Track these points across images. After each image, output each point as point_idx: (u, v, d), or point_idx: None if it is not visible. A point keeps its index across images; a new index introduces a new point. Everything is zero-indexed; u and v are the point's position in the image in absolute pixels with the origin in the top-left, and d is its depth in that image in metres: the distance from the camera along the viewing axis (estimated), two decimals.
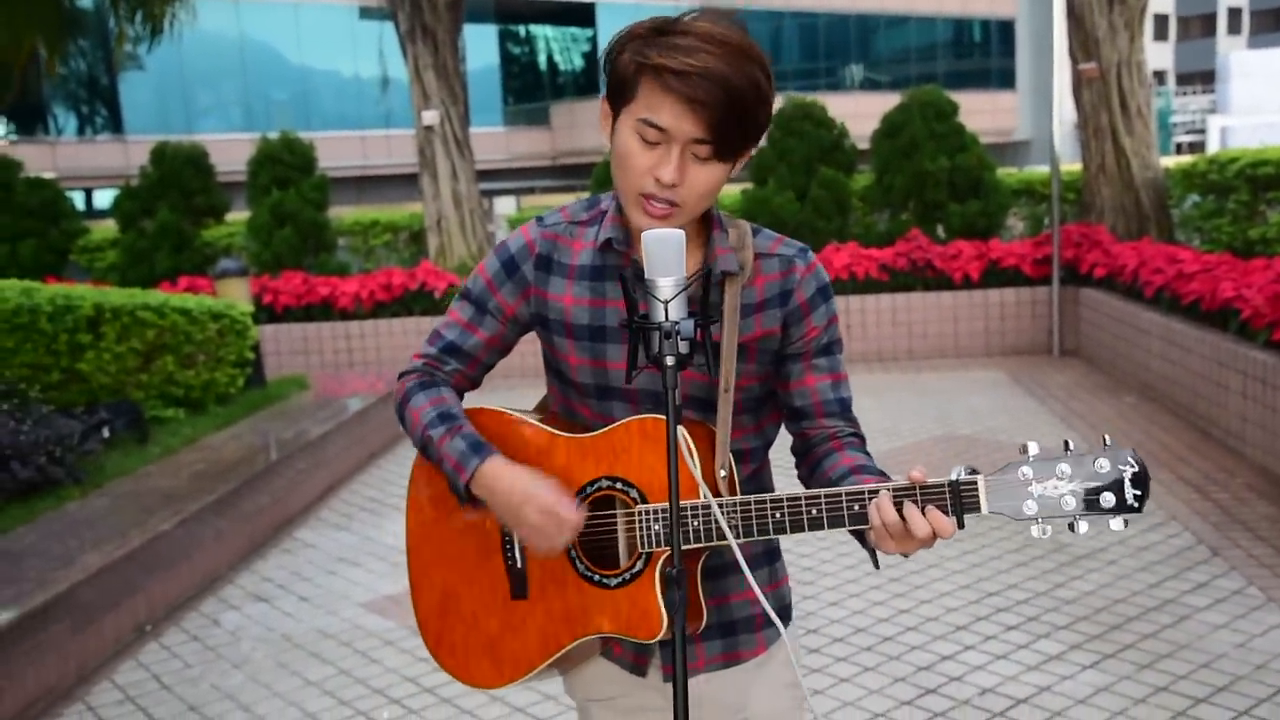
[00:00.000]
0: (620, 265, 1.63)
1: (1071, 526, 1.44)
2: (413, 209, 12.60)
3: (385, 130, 29.26)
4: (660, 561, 1.56)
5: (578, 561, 1.62)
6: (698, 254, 1.64)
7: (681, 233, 1.43)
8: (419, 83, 11.50)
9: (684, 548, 1.54)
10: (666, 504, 1.52)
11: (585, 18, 33.18)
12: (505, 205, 14.41)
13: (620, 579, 1.59)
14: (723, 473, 1.58)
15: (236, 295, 7.76)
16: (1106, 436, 1.46)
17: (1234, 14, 62.52)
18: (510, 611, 1.68)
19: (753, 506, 1.52)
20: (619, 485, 1.59)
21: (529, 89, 34.71)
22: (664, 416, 1.53)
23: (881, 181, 10.33)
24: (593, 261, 1.65)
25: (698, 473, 1.51)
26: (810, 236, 9.97)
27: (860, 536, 1.55)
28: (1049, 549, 4.81)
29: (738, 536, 1.52)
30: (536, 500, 1.56)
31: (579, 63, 35.33)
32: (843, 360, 1.72)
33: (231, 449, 6.10)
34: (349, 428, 6.84)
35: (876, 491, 1.47)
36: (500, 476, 1.60)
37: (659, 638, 1.56)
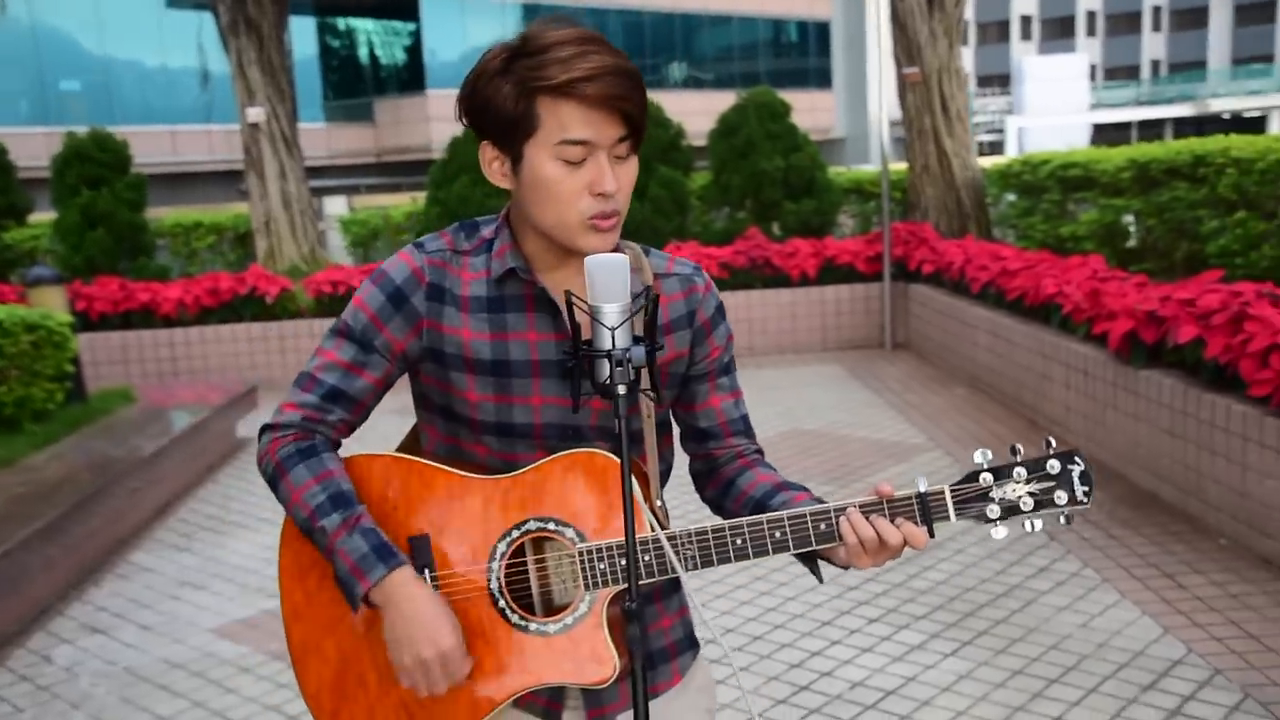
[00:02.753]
0: (522, 294, 1.55)
1: (1026, 525, 1.50)
2: (237, 209, 12.11)
3: (200, 125, 28.00)
4: (606, 600, 1.50)
5: (508, 611, 1.52)
6: None
7: (625, 257, 1.39)
8: (243, 78, 11.07)
9: (642, 583, 1.47)
10: (614, 541, 1.48)
11: (408, 11, 32.52)
12: (336, 205, 14.00)
13: (562, 624, 1.51)
14: (659, 502, 1.55)
15: (52, 304, 7.28)
16: (1052, 439, 1.51)
17: (1025, 21, 66.28)
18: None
19: (710, 535, 1.48)
20: (551, 525, 1.51)
21: (350, 84, 33.81)
22: (593, 450, 1.51)
23: (719, 180, 10.50)
24: (487, 293, 1.55)
25: (645, 507, 1.48)
26: (650, 235, 10.04)
27: (808, 556, 1.55)
28: None
29: (698, 566, 1.49)
30: (436, 641, 1.46)
31: (402, 57, 34.60)
32: (739, 378, 1.71)
33: (55, 469, 5.71)
34: (183, 442, 6.51)
35: (843, 509, 1.48)
36: (408, 596, 1.47)
37: (612, 679, 1.50)
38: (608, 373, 1.37)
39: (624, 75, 1.43)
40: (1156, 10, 66.38)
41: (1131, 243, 8.66)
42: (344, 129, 32.18)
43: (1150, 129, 47.65)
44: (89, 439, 6.34)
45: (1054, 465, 1.48)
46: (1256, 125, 44.66)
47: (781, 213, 10.33)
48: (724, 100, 10.75)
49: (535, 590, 1.54)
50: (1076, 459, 1.49)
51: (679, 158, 10.56)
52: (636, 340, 1.39)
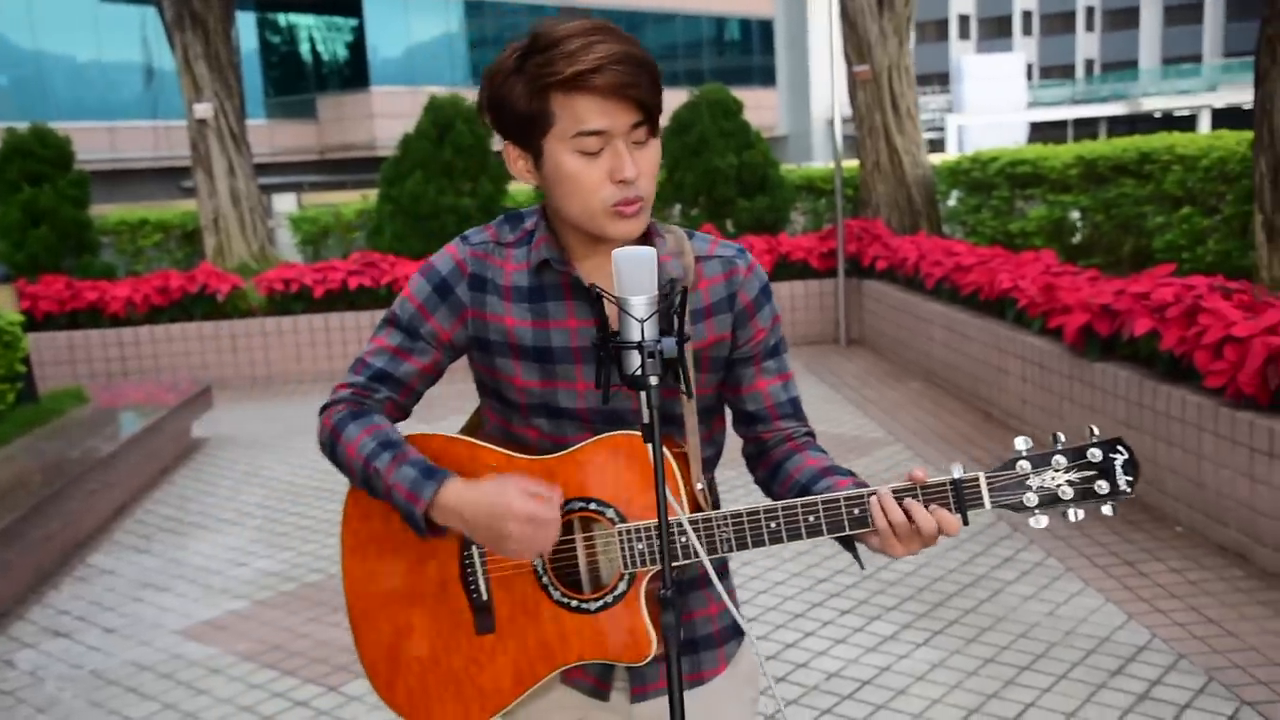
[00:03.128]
0: (559, 283, 1.59)
1: (1066, 515, 1.48)
2: (184, 207, 11.92)
3: (139, 121, 27.48)
4: (645, 580, 1.53)
5: (551, 589, 1.57)
6: None
7: (653, 250, 1.40)
8: (189, 74, 10.89)
9: (676, 564, 1.51)
10: (649, 522, 1.51)
11: (350, 7, 32.18)
12: (285, 203, 13.82)
13: (602, 602, 1.54)
14: (699, 485, 1.57)
15: (2, 303, 7.12)
16: (1094, 427, 1.49)
17: (964, 20, 67.22)
18: (476, 647, 1.60)
19: (745, 518, 1.49)
20: (593, 506, 1.54)
21: (291, 80, 33.39)
22: (632, 433, 1.53)
23: (673, 178, 10.53)
24: (528, 283, 1.59)
25: (682, 489, 1.50)
26: None
27: (847, 541, 1.56)
28: None
29: (732, 549, 1.50)
30: (512, 512, 1.48)
31: (344, 53, 34.24)
32: (789, 359, 1.72)
33: (8, 472, 5.59)
34: (140, 442, 6.41)
35: (875, 493, 1.47)
36: (464, 498, 1.51)
37: (649, 658, 1.53)
38: (637, 364, 1.38)
39: (632, 62, 1.45)
40: (1090, 10, 67.62)
41: (1077, 238, 8.85)
42: (286, 126, 31.77)
43: (1085, 127, 48.57)
44: (42, 440, 6.22)
45: (1095, 454, 1.47)
46: (1187, 124, 45.67)
47: (735, 210, 10.40)
48: (674, 98, 10.80)
49: (583, 568, 1.58)
50: (1120, 447, 1.47)
51: None
52: (665, 332, 1.40)
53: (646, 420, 1.39)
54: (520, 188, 11.62)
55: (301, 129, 32.20)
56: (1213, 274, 5.68)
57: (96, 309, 9.37)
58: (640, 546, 1.52)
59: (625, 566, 1.53)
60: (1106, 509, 1.48)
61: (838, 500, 1.48)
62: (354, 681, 3.89)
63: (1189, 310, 4.91)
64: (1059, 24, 68.50)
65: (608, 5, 36.53)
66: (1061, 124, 47.85)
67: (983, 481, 1.48)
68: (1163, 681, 3.58)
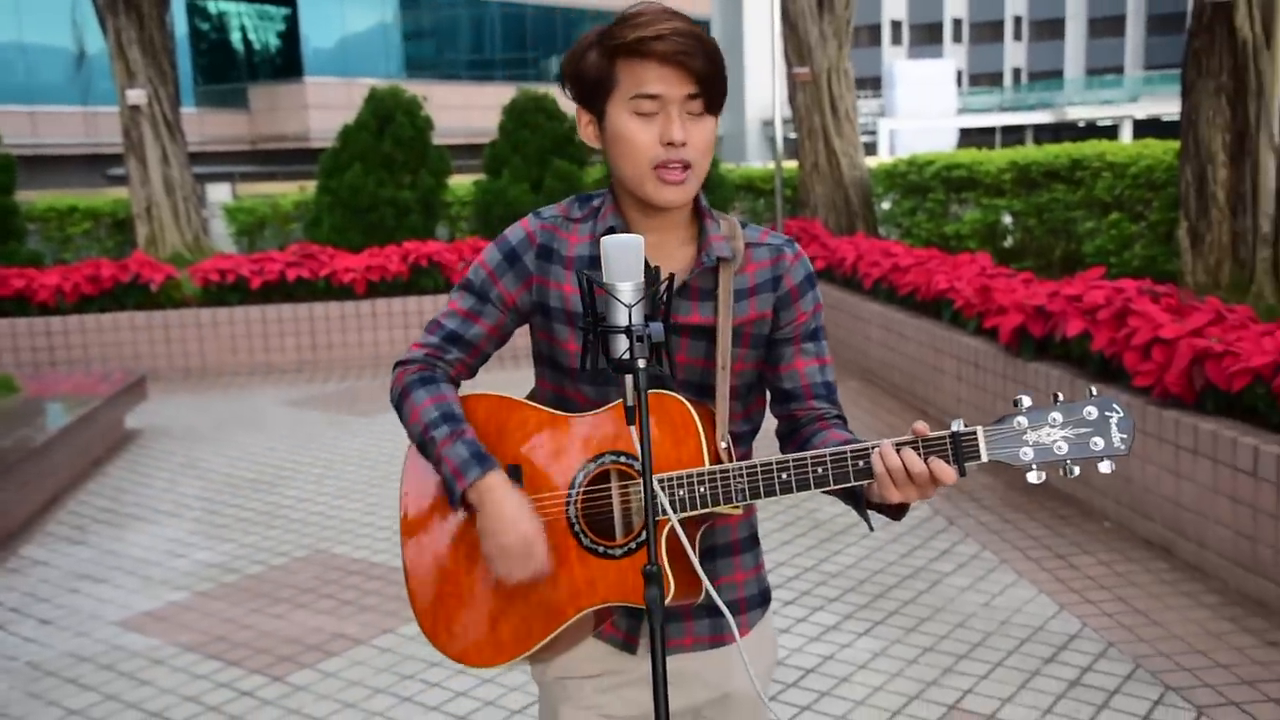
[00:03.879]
0: None
1: (1063, 471, 1.50)
2: (115, 195, 11.68)
3: (65, 106, 26.79)
4: (666, 528, 1.60)
5: (582, 535, 1.67)
6: (691, 245, 1.72)
7: (641, 238, 1.46)
8: (122, 59, 10.68)
9: (691, 514, 1.60)
10: (672, 474, 1.60)
11: None
12: (219, 193, 13.60)
13: (625, 549, 1.64)
14: (723, 444, 1.64)
15: None
16: (1093, 387, 1.55)
17: (896, 26, 68.18)
18: (511, 590, 1.70)
19: (758, 468, 1.57)
20: (623, 459, 1.65)
21: (221, 68, 32.84)
22: (659, 393, 1.61)
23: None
24: (590, 253, 1.70)
25: (704, 445, 1.58)
26: None
27: (856, 500, 1.63)
28: (808, 526, 5.14)
29: (745, 498, 1.58)
30: (519, 529, 1.62)
31: (276, 43, 33.75)
32: (827, 346, 1.80)
33: None
34: (73, 433, 6.29)
35: (878, 445, 1.54)
36: (495, 492, 1.64)
37: (668, 602, 1.59)
38: (624, 348, 1.43)
39: (693, 37, 1.57)
40: (1018, 20, 68.92)
41: (1009, 242, 9.07)
42: (216, 115, 31.25)
43: (1013, 134, 49.56)
44: None
45: (1090, 411, 1.49)
46: (1110, 133, 46.81)
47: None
48: None
49: (606, 518, 1.67)
50: (1115, 406, 1.49)
51: (574, 151, 10.60)
52: (654, 317, 1.46)
53: (631, 404, 1.44)
54: (459, 182, 11.59)
55: (232, 118, 31.69)
56: (1140, 278, 5.88)
57: (23, 297, 9.16)
58: (664, 498, 1.59)
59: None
60: (1104, 466, 1.49)
61: (844, 452, 1.55)
62: (299, 671, 3.88)
63: (1119, 313, 5.08)
64: (988, 33, 69.75)
65: (543, 1, 36.49)
66: (990, 130, 48.75)
67: (980, 435, 1.51)
68: (1093, 669, 3.71)
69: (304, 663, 3.96)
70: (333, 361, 9.44)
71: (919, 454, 1.52)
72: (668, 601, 1.59)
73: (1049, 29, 68.57)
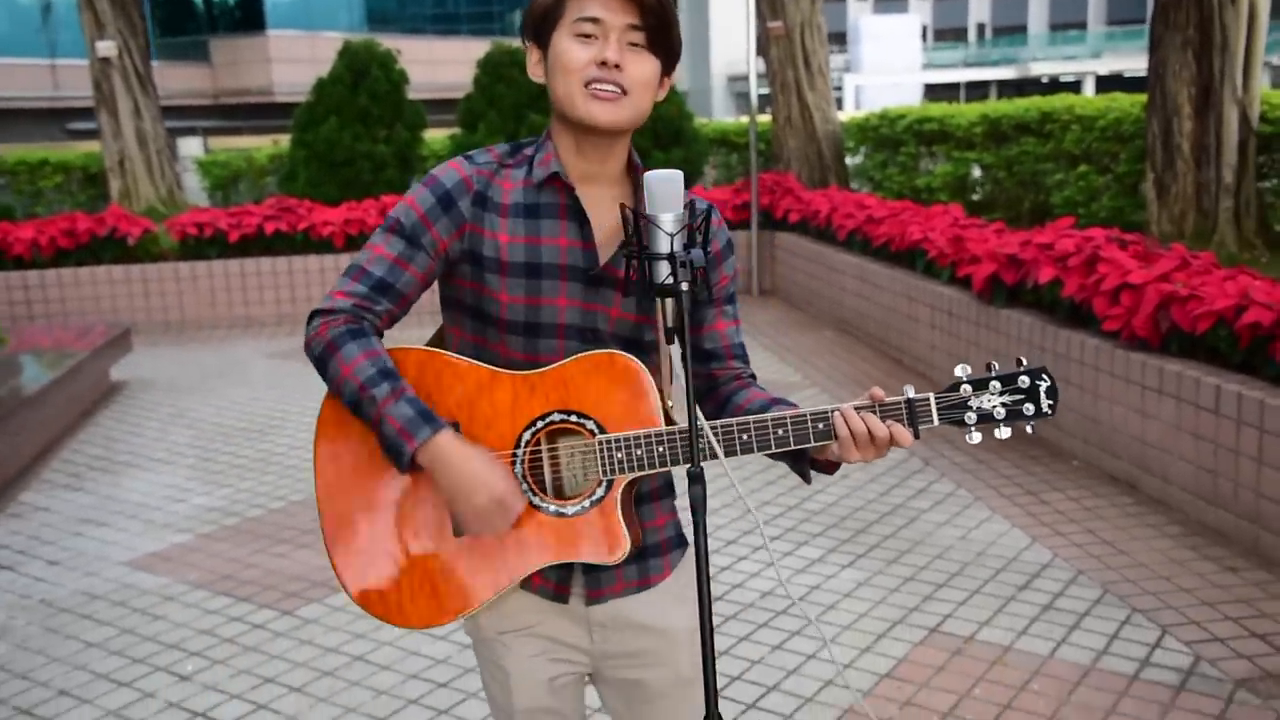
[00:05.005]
0: (557, 203, 1.70)
1: (996, 432, 1.66)
2: (84, 148, 11.61)
3: (29, 59, 26.28)
4: (621, 486, 1.66)
5: (531, 494, 1.67)
6: (627, 200, 1.72)
7: (680, 173, 1.56)
8: (90, 10, 10.58)
9: (650, 472, 1.65)
10: (630, 434, 1.64)
11: None
12: (190, 147, 13.52)
13: (579, 507, 1.66)
14: (670, 403, 1.69)
15: None
16: (1022, 358, 1.68)
17: None
18: (453, 549, 1.69)
19: (719, 430, 1.63)
20: (573, 418, 1.65)
21: (180, 21, 32.31)
22: (611, 351, 1.66)
23: None
24: (526, 200, 1.69)
25: (657, 399, 1.64)
26: None
27: (797, 459, 1.71)
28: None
29: (707, 459, 1.61)
30: (490, 487, 1.61)
31: None
32: (739, 308, 1.88)
33: None
34: (65, 383, 6.36)
35: (839, 409, 1.63)
36: (454, 452, 1.61)
37: (620, 558, 1.67)
38: (665, 274, 1.53)
39: None
40: None
41: (976, 195, 9.25)
42: (177, 68, 30.74)
43: (977, 90, 49.66)
44: None
45: (1024, 380, 1.64)
46: (1073, 89, 47.02)
47: (651, 161, 10.47)
48: None
49: (556, 476, 1.69)
50: (1044, 375, 1.65)
51: (548, 105, 10.62)
52: (690, 245, 1.55)
53: (671, 325, 1.56)
54: (435, 135, 11.60)
55: (193, 72, 31.24)
56: (1107, 228, 6.07)
57: None
58: (620, 456, 1.63)
59: (604, 474, 1.64)
60: (1029, 428, 1.66)
61: (804, 415, 1.63)
62: (308, 606, 4.03)
63: (1089, 260, 5.27)
64: None
65: None
66: (954, 86, 48.82)
67: (932, 401, 1.64)
68: (1064, 594, 3.93)
69: (311, 597, 4.10)
70: None
71: (875, 414, 1.62)
72: (625, 554, 1.66)
73: None
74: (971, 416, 1.65)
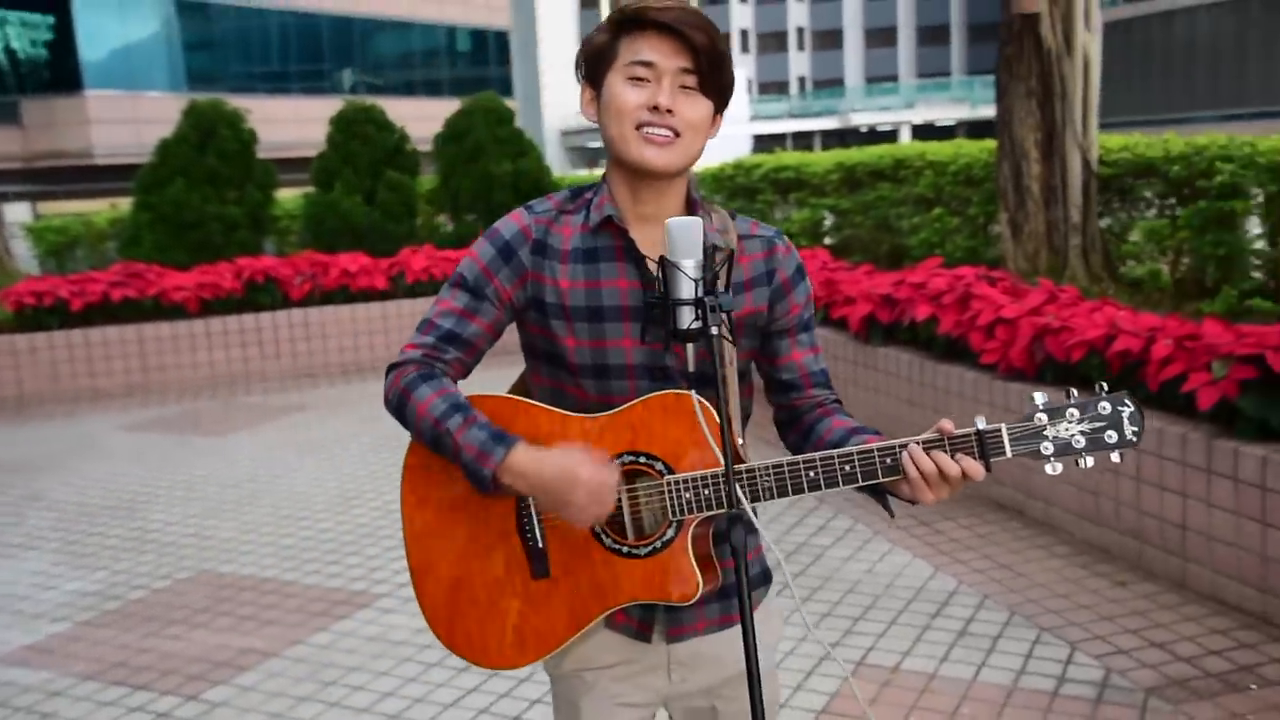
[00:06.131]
0: (613, 245, 1.71)
1: (1078, 462, 1.60)
2: None
3: None
4: (692, 526, 1.65)
5: (603, 536, 1.69)
6: None
7: (699, 219, 1.58)
8: None
9: (720, 512, 1.64)
10: (696, 474, 1.64)
11: (47, 3, 29.80)
12: (17, 212, 12.77)
13: (651, 547, 1.67)
14: (740, 440, 1.71)
15: None
16: (1104, 385, 1.61)
17: (800, 33, 70.16)
18: (533, 591, 1.72)
19: (786, 468, 1.62)
20: (642, 460, 1.66)
21: None
22: (683, 391, 1.65)
23: (448, 185, 10.58)
24: (584, 244, 1.71)
25: (713, 441, 1.62)
26: (380, 239, 9.98)
27: (877, 493, 1.69)
28: None
29: (774, 496, 1.63)
30: (579, 479, 1.60)
31: (44, 53, 31.72)
32: (817, 335, 1.86)
33: None
34: None
35: (905, 445, 1.59)
36: (532, 461, 1.62)
37: (695, 598, 1.66)
38: (689, 319, 1.54)
39: (694, 14, 1.64)
40: (800, 31, 71.81)
41: (830, 240, 9.57)
42: None
43: (802, 140, 51.67)
44: None
45: (1105, 406, 1.58)
46: (890, 138, 49.42)
47: None
48: (438, 108, 10.86)
49: (626, 518, 1.69)
50: (1127, 401, 1.58)
51: (405, 162, 10.55)
52: (713, 290, 1.56)
53: (694, 370, 1.58)
54: (288, 195, 11.33)
55: (2, 135, 29.64)
56: (970, 266, 6.36)
57: None
58: (688, 496, 1.63)
59: (673, 515, 1.65)
60: (1115, 456, 1.59)
61: (871, 450, 1.60)
62: (214, 689, 3.82)
63: (962, 297, 5.52)
64: (773, 43, 72.34)
65: (341, 10, 35.70)
66: (781, 136, 50.59)
67: (1004, 432, 1.59)
68: (975, 619, 4.06)
69: (217, 679, 3.89)
70: (167, 384, 9.09)
71: (945, 451, 1.58)
72: (702, 592, 1.65)
73: (830, 39, 71.69)
74: (1048, 446, 1.59)
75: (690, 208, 1.77)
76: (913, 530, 5.00)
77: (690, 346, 1.59)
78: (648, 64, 1.64)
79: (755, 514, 1.80)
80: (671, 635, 1.78)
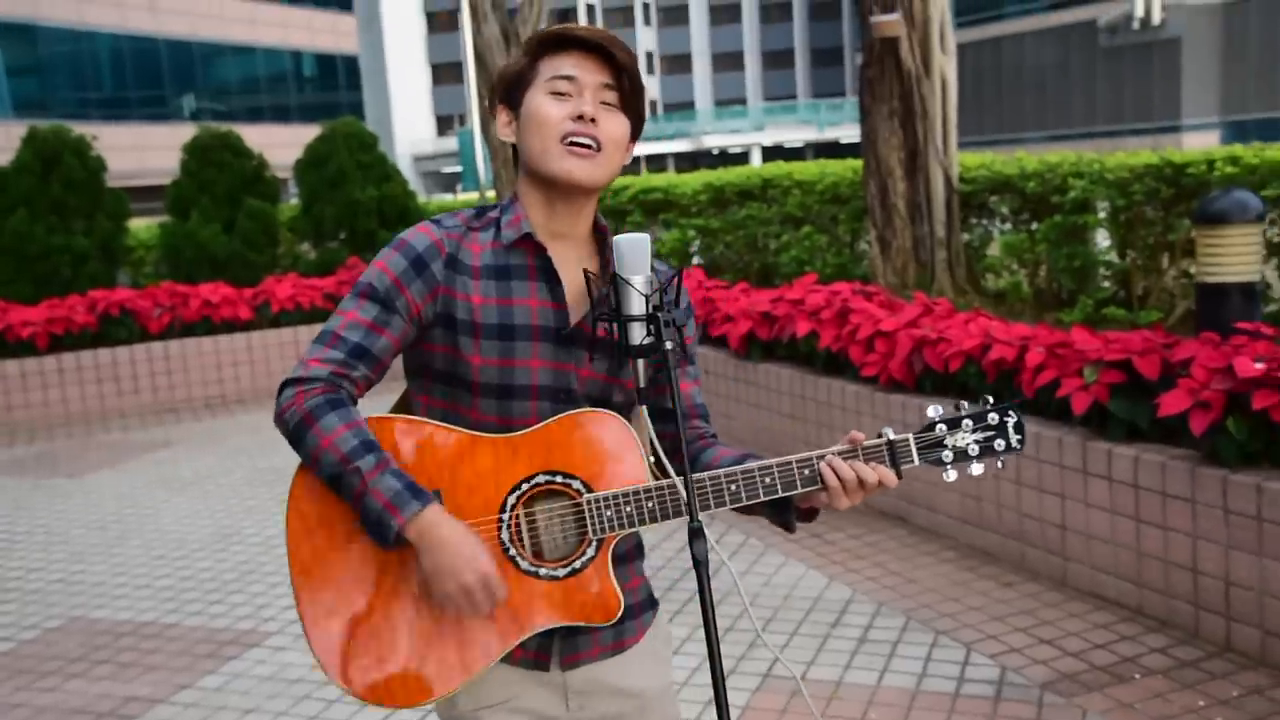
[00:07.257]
0: (526, 264, 1.68)
1: (971, 469, 1.69)
2: None
3: None
4: (612, 545, 1.64)
5: (519, 559, 1.64)
6: (593, 261, 1.74)
7: (648, 236, 1.60)
8: None
9: (641, 528, 1.65)
10: (617, 491, 1.63)
11: None
12: None
13: (570, 568, 1.63)
14: (651, 459, 1.69)
15: None
16: (989, 397, 1.71)
17: (649, 57, 70.69)
18: (440, 624, 1.64)
19: (708, 482, 1.64)
20: (559, 479, 1.63)
21: None
22: (595, 410, 1.66)
23: (311, 212, 10.33)
24: (496, 261, 1.68)
25: (649, 458, 1.64)
26: (243, 269, 9.69)
27: (780, 510, 1.71)
28: None
29: (699, 511, 1.61)
30: (476, 566, 1.56)
31: None
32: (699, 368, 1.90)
33: None
34: None
35: (823, 456, 1.64)
36: (441, 529, 1.57)
37: (617, 617, 1.65)
38: (640, 335, 1.56)
39: (610, 38, 1.67)
40: (650, 55, 72.90)
41: (698, 260, 9.71)
42: None
43: (655, 162, 52.29)
44: None
45: (994, 417, 1.68)
46: (741, 159, 50.52)
47: (377, 241, 10.37)
48: (293, 134, 10.61)
49: (542, 539, 1.65)
50: (1011, 412, 1.68)
51: (265, 189, 10.27)
52: (662, 305, 1.59)
53: (644, 385, 1.59)
54: (140, 225, 10.89)
55: None
56: (842, 282, 6.54)
57: None
58: (609, 514, 1.62)
59: (594, 533, 1.63)
60: (1000, 463, 1.70)
61: (790, 462, 1.65)
62: None
63: (841, 312, 5.66)
64: None
65: (178, 34, 34.57)
66: (635, 159, 51.07)
67: (912, 442, 1.67)
68: (874, 626, 4.16)
69: None
70: (15, 424, 8.60)
71: (860, 459, 1.64)
72: (621, 613, 1.65)
73: (678, 63, 72.95)
74: (948, 455, 1.68)
75: (597, 230, 1.77)
76: (804, 542, 5.09)
77: (641, 362, 1.60)
78: (569, 78, 1.66)
79: (635, 543, 1.82)
80: (565, 663, 1.74)
